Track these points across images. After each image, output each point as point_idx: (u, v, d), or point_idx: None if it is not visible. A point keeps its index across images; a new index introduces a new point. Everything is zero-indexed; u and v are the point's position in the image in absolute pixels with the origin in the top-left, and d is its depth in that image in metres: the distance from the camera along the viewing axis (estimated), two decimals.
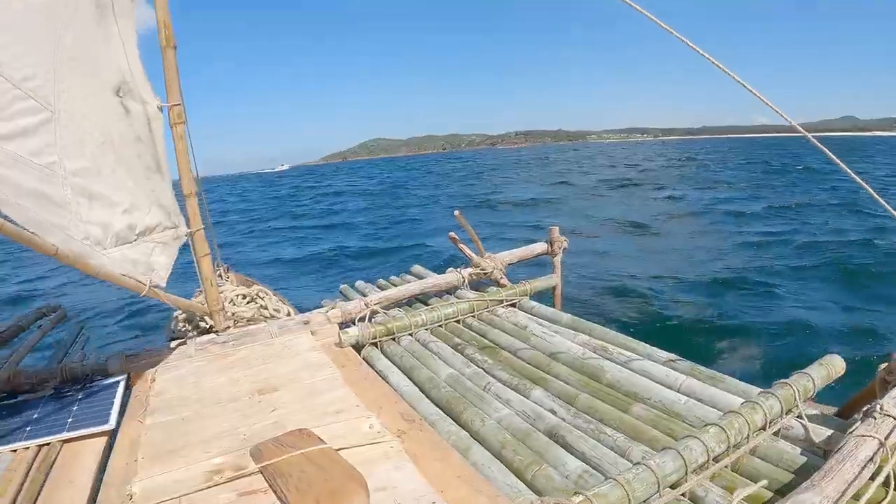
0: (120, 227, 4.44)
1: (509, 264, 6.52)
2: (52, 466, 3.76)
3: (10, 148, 3.63)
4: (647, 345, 4.51)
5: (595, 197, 30.25)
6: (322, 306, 6.34)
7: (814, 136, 3.58)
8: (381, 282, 6.97)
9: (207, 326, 5.69)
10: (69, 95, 4.07)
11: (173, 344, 5.31)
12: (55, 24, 3.98)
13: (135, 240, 4.61)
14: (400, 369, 4.47)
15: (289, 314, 5.98)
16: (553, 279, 6.34)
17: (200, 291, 6.43)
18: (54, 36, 3.98)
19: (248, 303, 5.98)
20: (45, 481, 3.58)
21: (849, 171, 3.44)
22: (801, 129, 3.63)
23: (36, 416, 4.41)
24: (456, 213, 6.36)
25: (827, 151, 3.48)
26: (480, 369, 4.33)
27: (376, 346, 4.90)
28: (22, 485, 3.47)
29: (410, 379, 4.32)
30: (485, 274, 6.25)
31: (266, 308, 5.94)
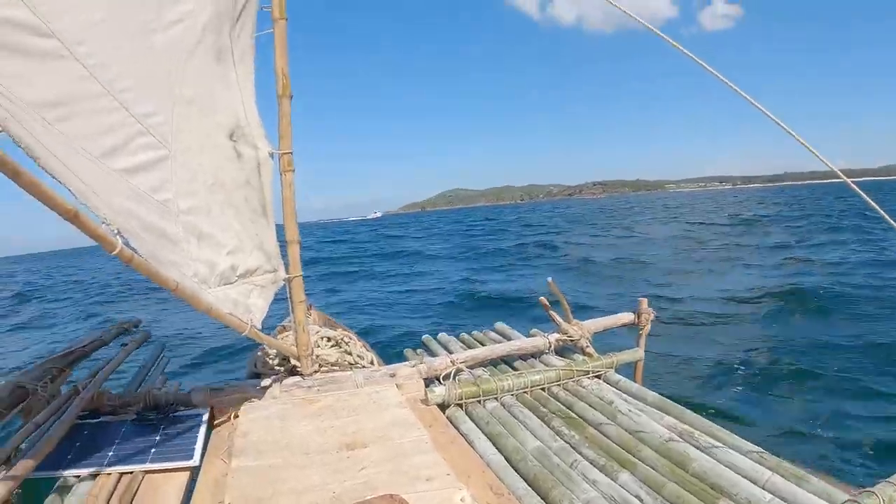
0: (224, 268, 4.50)
1: (595, 333, 6.45)
2: (133, 497, 3.79)
3: (134, 182, 3.71)
4: (733, 433, 4.38)
5: (684, 252, 29.20)
6: (406, 357, 6.34)
7: None
8: (465, 336, 6.92)
9: (291, 367, 5.71)
10: (185, 135, 4.16)
11: (259, 382, 5.32)
12: (176, 66, 4.09)
13: (235, 281, 4.66)
14: (486, 435, 4.39)
15: (372, 362, 5.97)
16: (638, 353, 6.23)
17: (282, 328, 6.47)
18: (174, 77, 4.08)
19: (331, 346, 6.00)
20: None
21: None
22: (841, 174, 3.58)
23: (118, 440, 4.44)
24: (549, 280, 6.35)
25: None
26: (567, 444, 4.23)
27: (461, 407, 4.84)
28: None
29: (496, 447, 4.24)
30: (571, 341, 6.18)
31: (350, 353, 5.94)
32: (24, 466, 3.79)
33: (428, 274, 23.79)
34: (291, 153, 5.01)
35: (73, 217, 3.07)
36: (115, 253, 3.34)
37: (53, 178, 3.03)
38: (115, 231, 3.35)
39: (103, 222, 3.31)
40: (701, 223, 41.21)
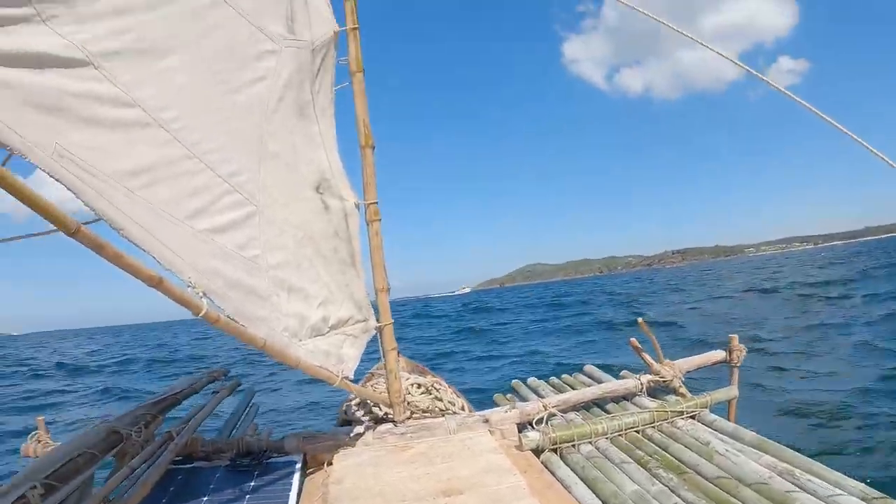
0: (315, 320, 4.52)
1: (687, 372, 6.33)
2: None
3: (221, 241, 3.77)
4: (837, 472, 4.23)
5: (780, 312, 28.31)
6: (496, 402, 6.31)
7: None
8: (554, 380, 6.82)
9: (381, 414, 5.68)
10: (272, 190, 4.23)
11: (352, 429, 5.30)
12: (260, 123, 4.18)
13: (327, 332, 4.68)
14: (582, 480, 4.29)
15: (462, 408, 5.91)
16: (732, 391, 6.06)
17: (371, 374, 6.49)
18: (259, 133, 4.17)
19: (422, 393, 5.98)
20: None
21: None
22: None
23: (212, 486, 4.47)
24: (639, 320, 6.25)
25: None
26: (665, 487, 4.10)
27: (556, 452, 4.76)
28: None
29: (594, 491, 4.13)
30: (663, 381, 6.07)
31: (441, 400, 5.85)
32: None
33: (526, 350, 23.09)
34: (377, 203, 5.04)
35: (157, 284, 3.13)
36: (200, 315, 3.39)
37: (137, 246, 3.10)
38: (201, 294, 3.41)
39: (188, 285, 3.38)
40: (794, 283, 39.53)
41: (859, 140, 3.39)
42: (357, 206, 4.94)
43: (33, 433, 5.70)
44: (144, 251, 3.14)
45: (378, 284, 5.14)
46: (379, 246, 5.07)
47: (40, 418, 5.85)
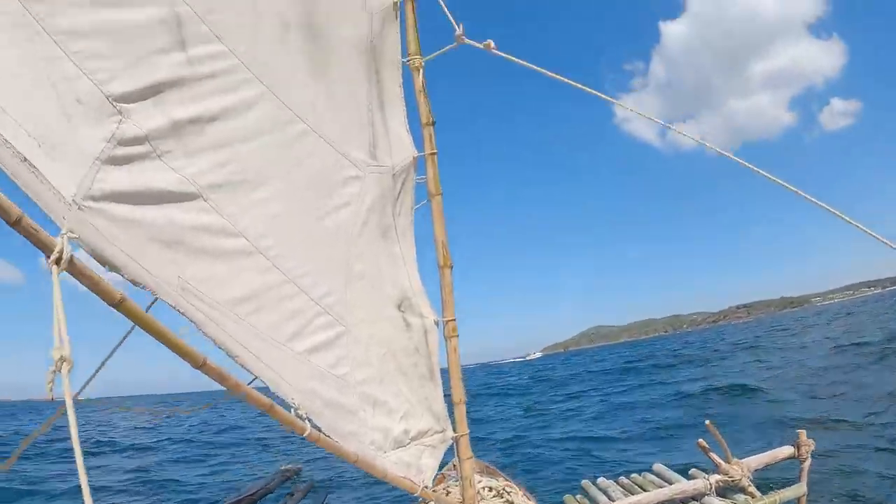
0: (397, 433, 4.70)
1: (755, 469, 6.31)
2: None
3: (315, 361, 4.01)
4: None
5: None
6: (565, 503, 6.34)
7: None
8: (624, 480, 6.81)
9: None
10: (358, 310, 4.47)
11: None
12: (347, 246, 4.45)
13: (408, 443, 4.84)
14: None
15: None
16: (801, 488, 6.02)
17: (442, 476, 6.56)
18: (346, 256, 4.44)
19: (494, 496, 6.00)
20: None
21: None
22: None
23: None
24: (707, 423, 6.28)
25: None
26: None
27: None
28: None
29: None
30: (732, 481, 6.06)
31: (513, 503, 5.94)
32: None
33: (596, 434, 21.11)
34: (455, 320, 5.21)
35: (268, 409, 3.33)
36: (304, 435, 3.58)
37: (249, 372, 3.30)
38: (304, 416, 3.59)
39: (292, 407, 3.56)
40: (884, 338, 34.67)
41: None
42: (436, 322, 5.15)
43: None
44: (255, 376, 3.33)
45: (455, 397, 5.26)
46: (457, 361, 5.21)
47: None
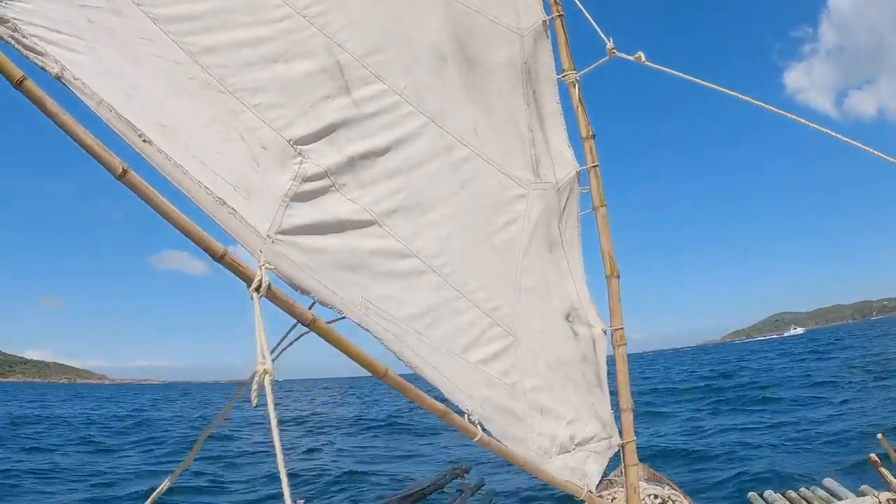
0: (563, 438, 4.74)
1: None
2: None
3: (487, 370, 4.15)
4: None
5: None
6: None
7: None
8: (791, 494, 6.57)
9: None
10: (527, 321, 4.56)
11: None
12: (516, 261, 4.57)
13: (573, 449, 4.86)
14: None
15: None
16: None
17: (608, 482, 6.58)
18: (515, 271, 4.55)
19: None
20: None
21: None
22: None
23: None
24: (879, 436, 6.03)
25: None
26: None
27: None
28: None
29: None
30: None
31: None
32: None
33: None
34: (622, 328, 5.20)
35: (444, 415, 3.52)
36: (475, 440, 3.74)
37: (428, 381, 3.50)
38: (476, 421, 3.75)
39: (465, 413, 3.73)
40: None
41: None
42: (604, 332, 5.17)
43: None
44: (433, 385, 3.53)
45: (623, 404, 5.22)
46: (625, 369, 5.19)
47: (300, 501, 6.29)
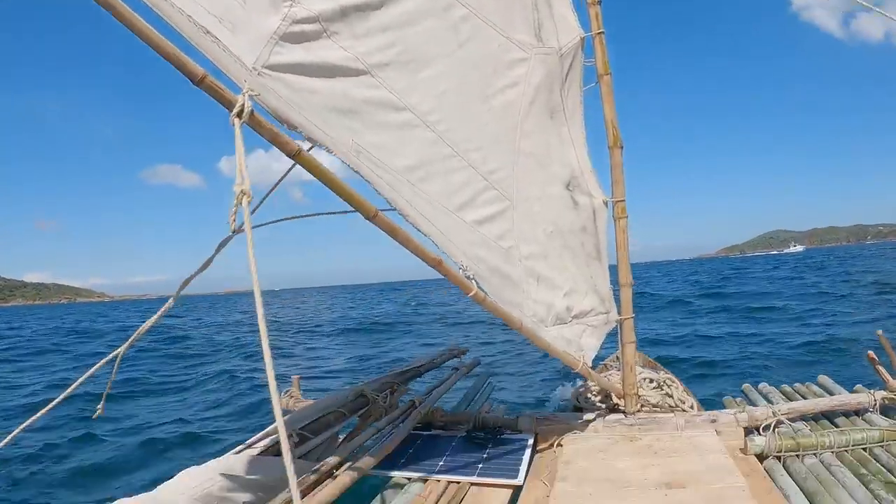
0: (560, 309, 4.70)
1: None
2: None
3: (483, 231, 4.06)
4: None
5: None
6: (725, 405, 6.26)
7: None
8: (786, 388, 6.56)
9: (613, 404, 5.76)
10: (524, 187, 4.44)
11: (582, 415, 5.45)
12: (514, 125, 4.41)
13: (570, 321, 4.84)
14: (803, 492, 4.28)
15: (692, 406, 5.83)
16: None
17: (604, 366, 6.64)
18: (513, 135, 4.40)
19: (654, 388, 5.99)
20: None
21: None
22: None
23: (448, 453, 4.77)
24: (879, 333, 5.96)
25: None
26: None
27: (779, 460, 4.71)
28: None
29: None
30: None
31: (671, 396, 5.84)
32: (366, 463, 4.26)
33: None
34: (625, 200, 5.13)
35: (437, 264, 3.49)
36: (471, 295, 3.74)
37: (419, 231, 3.49)
38: (471, 276, 3.77)
39: (461, 268, 3.73)
40: None
41: None
42: (605, 203, 5.07)
43: (287, 389, 6.33)
44: (425, 235, 3.53)
45: (622, 279, 5.22)
46: (625, 242, 5.16)
47: (296, 377, 6.46)
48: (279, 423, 1.65)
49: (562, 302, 4.72)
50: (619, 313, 5.27)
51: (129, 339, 3.72)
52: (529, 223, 4.45)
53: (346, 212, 3.77)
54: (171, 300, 3.78)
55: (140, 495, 3.47)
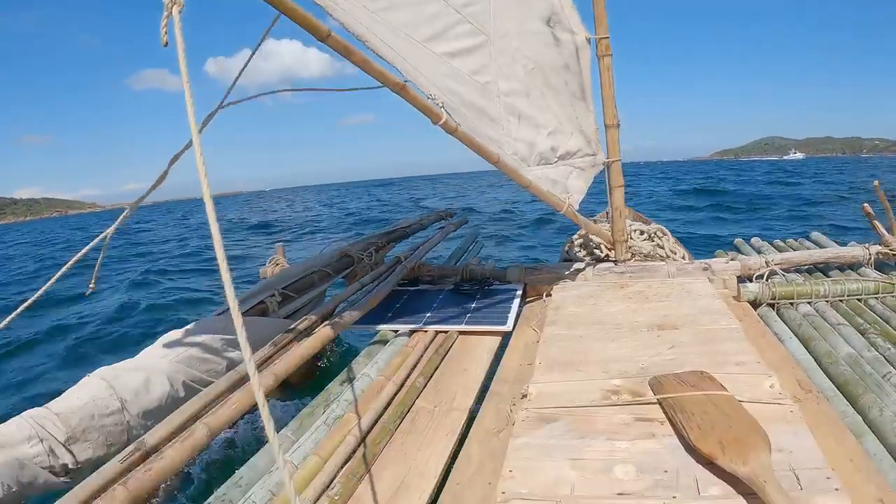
0: (543, 148, 4.55)
1: None
2: (447, 352, 4.06)
3: (455, 64, 3.86)
4: None
5: None
6: (716, 256, 6.19)
7: None
8: (779, 243, 6.53)
9: (603, 255, 5.73)
10: (501, 22, 4.19)
11: (572, 265, 5.40)
12: None
13: (555, 161, 4.70)
14: (796, 336, 4.19)
15: (683, 257, 5.83)
16: None
17: (595, 221, 6.52)
18: None
19: (644, 239, 5.96)
20: (440, 363, 3.87)
21: None
22: None
23: (435, 305, 4.77)
24: (875, 182, 5.82)
25: None
26: (882, 356, 3.85)
27: (773, 308, 4.66)
28: (419, 361, 3.78)
29: (807, 349, 4.05)
30: (893, 255, 5.67)
31: (663, 248, 5.83)
32: (350, 317, 4.25)
33: None
34: (608, 38, 4.88)
35: (400, 89, 3.30)
36: (440, 124, 3.55)
37: (381, 58, 3.24)
38: (441, 104, 3.55)
39: (429, 97, 3.51)
40: None
41: None
42: (588, 40, 4.82)
43: (272, 256, 6.22)
44: (388, 62, 3.29)
45: (608, 120, 5.02)
46: (610, 81, 4.94)
47: (280, 245, 6.36)
48: (228, 291, 1.44)
49: (545, 141, 4.56)
50: (607, 156, 5.08)
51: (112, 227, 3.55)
52: (509, 59, 4.26)
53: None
54: (127, 211, 3.71)
55: (122, 362, 3.49)
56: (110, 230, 3.44)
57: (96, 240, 3.39)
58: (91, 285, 3.99)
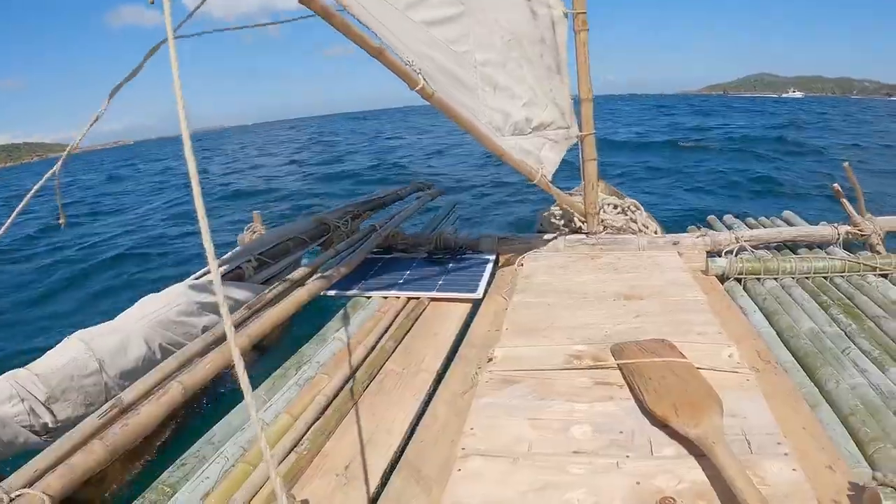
0: (518, 118, 4.59)
1: (889, 232, 5.97)
2: (418, 318, 4.15)
3: (433, 32, 3.88)
4: None
5: None
6: (687, 231, 6.28)
7: None
8: (750, 220, 6.64)
9: (576, 227, 5.80)
10: None
11: (544, 236, 5.48)
12: None
13: (529, 132, 4.74)
14: (761, 310, 4.29)
15: (655, 231, 5.91)
16: None
17: (571, 195, 6.60)
18: None
19: (617, 213, 6.03)
20: (411, 328, 3.96)
21: None
22: None
23: (408, 273, 4.86)
24: (845, 164, 5.92)
25: None
26: (842, 332, 3.96)
27: (740, 283, 4.74)
28: (390, 325, 3.87)
29: (770, 323, 4.14)
30: (861, 236, 5.75)
31: (635, 222, 5.91)
32: (323, 283, 4.35)
33: None
34: (585, 13, 4.90)
35: (378, 54, 3.36)
36: (417, 89, 3.61)
37: (360, 22, 3.30)
38: (418, 70, 3.61)
39: (406, 63, 3.58)
40: None
41: None
42: (565, 14, 4.85)
43: (249, 224, 6.24)
44: (367, 27, 3.35)
45: (583, 94, 5.05)
46: (586, 56, 4.98)
47: (256, 213, 6.38)
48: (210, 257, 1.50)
49: (520, 112, 4.60)
50: (580, 129, 5.13)
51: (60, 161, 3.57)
52: (486, 30, 4.27)
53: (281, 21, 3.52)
54: (69, 148, 3.73)
55: (101, 325, 3.54)
56: (57, 166, 3.47)
57: (44, 178, 3.42)
58: (61, 221, 4.15)
